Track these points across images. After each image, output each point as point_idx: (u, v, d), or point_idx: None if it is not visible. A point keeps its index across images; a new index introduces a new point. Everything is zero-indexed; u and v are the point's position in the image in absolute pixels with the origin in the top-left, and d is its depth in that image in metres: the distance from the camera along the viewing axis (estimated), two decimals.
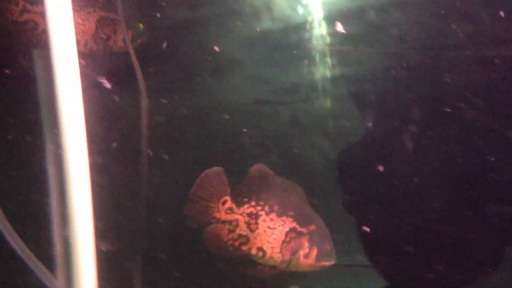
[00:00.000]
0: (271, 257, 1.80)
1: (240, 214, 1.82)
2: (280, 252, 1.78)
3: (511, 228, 2.34)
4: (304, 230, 1.78)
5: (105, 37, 1.97)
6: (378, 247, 2.45)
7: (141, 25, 2.10)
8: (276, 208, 1.81)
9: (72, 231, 1.16)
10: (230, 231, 1.82)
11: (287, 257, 1.77)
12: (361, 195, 2.47)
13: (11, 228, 1.38)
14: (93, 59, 1.95)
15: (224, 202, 1.83)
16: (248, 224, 1.81)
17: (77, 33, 1.82)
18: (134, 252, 2.02)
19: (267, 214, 1.81)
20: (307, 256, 1.76)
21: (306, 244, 1.76)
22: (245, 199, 1.84)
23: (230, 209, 1.83)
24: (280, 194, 1.84)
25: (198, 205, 1.82)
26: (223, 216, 1.82)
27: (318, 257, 1.75)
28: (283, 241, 1.78)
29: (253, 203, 1.83)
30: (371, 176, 2.41)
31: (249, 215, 1.82)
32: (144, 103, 1.92)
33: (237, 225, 1.82)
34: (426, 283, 2.36)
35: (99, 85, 1.98)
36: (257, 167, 1.86)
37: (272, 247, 1.79)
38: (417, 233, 2.42)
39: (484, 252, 2.36)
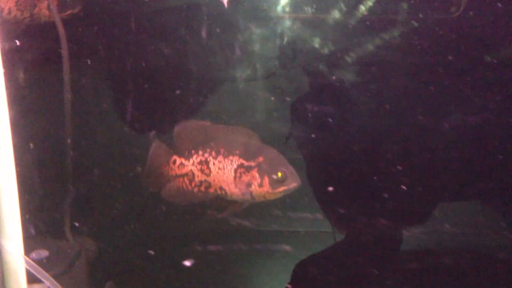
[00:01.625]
0: (232, 193, 1.98)
1: (192, 165, 2.02)
2: (236, 187, 1.95)
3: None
4: (252, 163, 1.93)
5: (29, 4, 1.88)
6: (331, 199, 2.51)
7: None
8: (222, 151, 1.99)
9: None
10: (191, 181, 2.03)
11: (244, 191, 1.94)
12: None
13: None
14: (17, 28, 1.87)
15: (174, 161, 2.05)
16: (201, 171, 2.01)
17: None
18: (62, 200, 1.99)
19: (214, 158, 1.99)
20: (261, 185, 1.90)
21: (257, 175, 1.91)
22: (192, 151, 2.02)
23: (181, 164, 2.04)
24: (223, 138, 2.04)
25: (153, 173, 2.06)
26: (178, 172, 2.05)
27: (272, 184, 1.88)
28: (235, 177, 1.95)
29: (200, 153, 2.02)
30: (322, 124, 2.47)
31: (200, 163, 2.01)
32: (67, 85, 1.83)
33: (193, 174, 2.03)
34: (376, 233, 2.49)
35: (22, 60, 1.88)
36: (192, 123, 2.09)
37: (228, 185, 1.97)
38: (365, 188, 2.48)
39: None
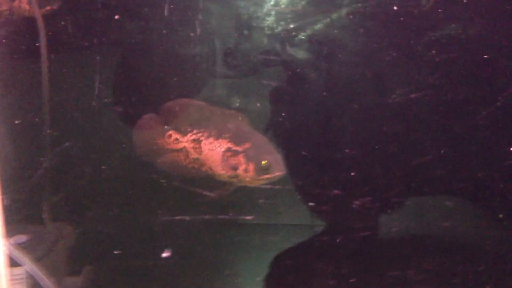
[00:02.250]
0: (220, 175, 2.04)
1: (186, 142, 2.09)
2: (223, 169, 2.01)
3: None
4: (239, 148, 1.98)
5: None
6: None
7: None
8: (213, 132, 2.05)
9: None
10: (185, 157, 2.11)
11: (229, 173, 2.00)
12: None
13: None
14: None
15: (170, 136, 2.12)
16: (194, 149, 2.08)
17: None
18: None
19: (206, 138, 2.06)
20: (246, 171, 1.95)
21: (243, 160, 1.96)
22: (188, 129, 2.09)
23: (176, 139, 2.11)
24: (216, 120, 2.09)
25: (147, 144, 2.16)
26: (173, 146, 2.12)
27: (257, 171, 1.92)
28: (222, 160, 2.01)
29: (195, 131, 2.08)
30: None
31: (193, 141, 2.08)
32: (45, 78, 1.83)
33: (187, 151, 2.10)
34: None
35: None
36: (188, 101, 2.19)
37: (216, 166, 2.03)
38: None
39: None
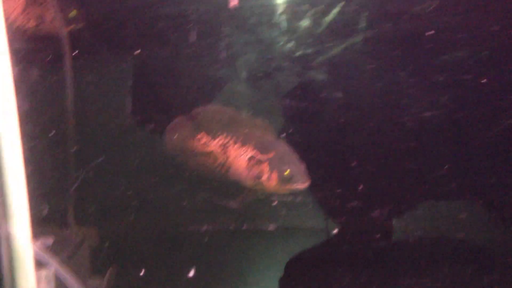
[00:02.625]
0: (244, 182, 2.06)
1: (214, 146, 2.11)
2: (247, 177, 2.03)
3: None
4: (263, 157, 1.98)
5: (34, 16, 1.94)
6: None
7: (74, 11, 2.05)
8: (240, 139, 2.06)
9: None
10: (214, 161, 2.13)
11: (253, 182, 2.01)
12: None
13: None
14: (22, 39, 1.93)
15: (200, 139, 2.15)
16: (222, 154, 2.10)
17: (5, 9, 1.82)
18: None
19: (233, 144, 2.07)
20: (269, 179, 1.95)
21: (266, 169, 1.96)
22: (217, 134, 2.11)
23: (205, 143, 2.13)
24: (243, 127, 2.11)
25: (177, 145, 2.20)
26: (202, 149, 2.14)
27: (280, 180, 1.92)
28: (246, 167, 2.01)
29: (223, 136, 2.10)
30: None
31: (221, 146, 2.10)
32: (70, 91, 1.89)
33: (215, 156, 2.12)
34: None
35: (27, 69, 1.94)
36: (218, 106, 2.24)
37: (241, 173, 2.05)
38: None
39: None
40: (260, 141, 2.04)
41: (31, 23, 1.95)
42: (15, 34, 1.91)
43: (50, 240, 1.78)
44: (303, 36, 2.46)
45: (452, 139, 2.42)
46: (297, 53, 2.49)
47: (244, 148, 2.05)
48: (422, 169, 2.45)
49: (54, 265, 1.30)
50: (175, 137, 2.23)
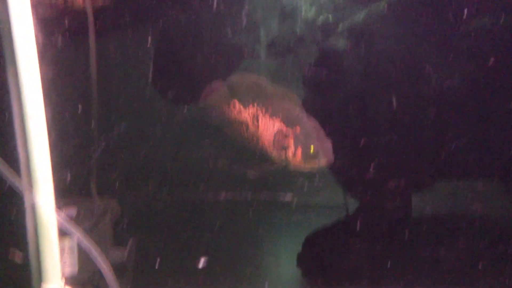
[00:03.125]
0: (270, 154, 2.03)
1: (247, 114, 2.09)
2: (273, 149, 2.00)
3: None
4: (290, 131, 1.93)
5: None
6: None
7: None
8: (269, 110, 2.03)
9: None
10: (246, 130, 2.12)
11: (277, 155, 1.97)
12: None
13: None
14: (50, 14, 1.93)
15: (234, 105, 2.13)
16: (253, 123, 2.08)
17: None
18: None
19: (263, 115, 2.05)
20: (294, 155, 1.90)
21: (292, 144, 1.91)
22: (250, 102, 2.09)
23: (239, 110, 2.11)
24: (273, 99, 2.07)
25: (212, 109, 2.19)
26: (236, 116, 2.13)
27: (304, 157, 1.88)
28: (273, 141, 1.99)
29: (254, 106, 2.08)
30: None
31: (252, 115, 2.08)
32: (93, 60, 1.89)
33: (247, 125, 2.10)
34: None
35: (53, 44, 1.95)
36: (252, 76, 2.18)
37: (268, 145, 2.02)
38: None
39: None
40: (288, 114, 2.01)
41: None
42: (43, 5, 1.92)
43: (73, 211, 1.82)
44: (325, 2, 2.42)
45: (473, 111, 2.37)
46: (319, 21, 2.46)
47: (272, 120, 2.02)
48: (441, 141, 2.41)
49: (77, 235, 1.32)
50: (211, 101, 2.21)
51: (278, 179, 2.63)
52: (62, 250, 1.65)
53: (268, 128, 2.02)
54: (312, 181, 2.63)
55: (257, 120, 2.07)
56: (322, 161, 1.88)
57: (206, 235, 2.55)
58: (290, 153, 1.93)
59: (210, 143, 2.60)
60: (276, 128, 2.00)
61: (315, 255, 2.50)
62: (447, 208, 2.66)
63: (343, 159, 2.45)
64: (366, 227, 2.50)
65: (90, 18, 1.89)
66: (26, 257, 1.37)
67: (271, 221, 2.76)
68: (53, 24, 1.94)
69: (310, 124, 1.98)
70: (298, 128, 1.94)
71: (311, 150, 1.87)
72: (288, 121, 1.98)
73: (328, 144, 1.90)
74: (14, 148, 1.29)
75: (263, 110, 2.06)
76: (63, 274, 1.37)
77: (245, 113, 2.11)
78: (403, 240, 2.44)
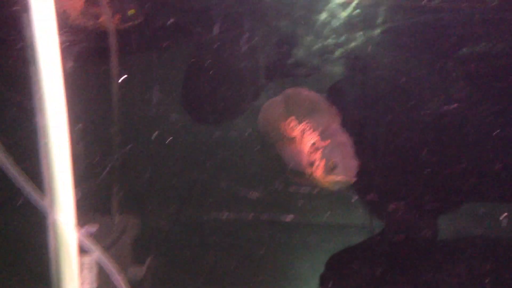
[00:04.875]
0: (303, 169, 1.96)
1: (299, 131, 2.03)
2: (307, 163, 1.93)
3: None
4: (321, 144, 1.88)
5: (94, 14, 2.02)
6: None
7: (133, 10, 2.12)
8: (313, 125, 1.98)
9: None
10: (295, 147, 2.03)
11: (308, 168, 1.90)
12: None
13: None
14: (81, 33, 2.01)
15: (290, 122, 2.06)
16: (301, 139, 2.01)
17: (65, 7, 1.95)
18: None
19: (307, 130, 2.00)
20: (317, 168, 1.85)
21: (319, 157, 1.85)
22: (302, 118, 2.03)
23: (292, 127, 2.05)
24: (316, 112, 2.02)
25: (268, 125, 2.14)
26: (288, 133, 2.07)
27: (325, 170, 1.80)
28: (308, 153, 1.92)
29: (305, 121, 2.02)
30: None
31: (301, 131, 2.02)
32: (116, 86, 1.93)
33: (296, 141, 2.03)
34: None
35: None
36: (305, 90, 2.10)
37: (302, 160, 1.96)
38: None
39: None
40: (324, 128, 1.94)
41: (90, 22, 2.02)
42: (72, 31, 2.00)
43: (93, 228, 1.84)
44: (322, 29, 2.44)
45: (471, 133, 2.37)
46: (315, 47, 2.47)
47: (312, 134, 1.97)
48: (440, 163, 2.39)
49: (96, 252, 1.33)
50: (268, 117, 2.16)
51: (280, 200, 2.62)
52: (81, 267, 1.67)
53: (307, 143, 1.97)
54: (314, 202, 2.62)
55: (304, 136, 2.01)
56: (341, 177, 1.79)
57: (211, 252, 2.57)
58: (315, 166, 1.87)
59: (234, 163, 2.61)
60: (312, 142, 1.95)
61: (338, 276, 2.46)
62: (447, 231, 2.61)
63: (370, 179, 2.45)
64: (389, 250, 2.47)
65: (113, 39, 1.95)
66: (46, 274, 1.39)
67: (274, 241, 2.75)
68: (80, 50, 2.01)
69: (341, 138, 1.91)
70: (328, 141, 1.88)
71: (330, 162, 1.80)
72: (323, 135, 1.93)
73: (350, 161, 1.81)
74: (37, 165, 1.32)
75: (309, 126, 2.01)
76: None
77: (297, 129, 2.06)
78: (426, 264, 2.41)
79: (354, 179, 1.79)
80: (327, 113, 2.00)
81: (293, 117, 2.05)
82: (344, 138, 1.91)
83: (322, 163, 1.81)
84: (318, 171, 1.83)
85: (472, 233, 2.58)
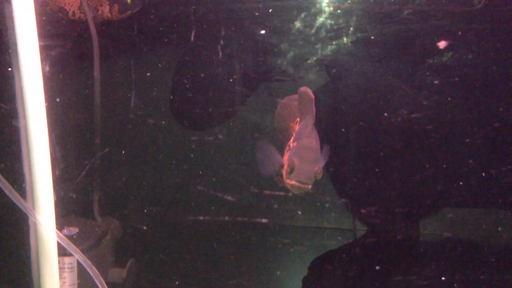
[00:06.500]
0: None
1: (293, 130, 2.01)
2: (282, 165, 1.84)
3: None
4: (291, 146, 1.83)
5: (92, 7, 2.07)
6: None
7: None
8: (296, 127, 1.99)
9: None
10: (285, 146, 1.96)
11: (282, 169, 1.80)
12: None
13: None
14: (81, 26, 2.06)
15: (297, 121, 2.02)
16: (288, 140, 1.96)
17: (64, 4, 1.98)
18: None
19: (293, 131, 1.98)
20: (283, 170, 1.76)
21: (285, 159, 1.79)
22: (297, 118, 2.02)
23: (293, 128, 2.02)
24: (302, 114, 1.98)
25: (281, 123, 2.08)
26: (291, 131, 2.01)
27: (287, 172, 1.71)
28: (284, 154, 1.87)
29: (297, 121, 2.01)
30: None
31: (293, 130, 2.00)
32: (98, 85, 1.95)
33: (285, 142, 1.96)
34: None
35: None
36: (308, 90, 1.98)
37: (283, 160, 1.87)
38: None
39: None
40: (299, 130, 1.88)
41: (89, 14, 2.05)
42: (52, 35, 2.02)
43: (74, 230, 1.85)
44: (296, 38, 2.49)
45: (439, 140, 2.43)
46: (289, 54, 2.52)
47: (293, 136, 1.92)
48: (409, 168, 2.46)
49: (77, 254, 1.35)
50: (282, 115, 2.11)
51: (255, 204, 2.65)
52: (61, 269, 1.67)
53: (289, 143, 1.92)
54: (288, 206, 2.66)
55: (290, 137, 1.96)
56: (293, 181, 1.69)
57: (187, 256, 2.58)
58: (284, 169, 1.77)
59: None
60: (290, 142, 1.90)
61: (321, 278, 2.48)
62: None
63: (351, 183, 2.48)
64: (373, 251, 2.51)
65: (95, 41, 1.97)
66: (28, 275, 1.39)
67: (249, 243, 2.78)
68: (56, 50, 2.02)
69: (309, 142, 1.81)
70: (295, 143, 1.82)
71: (289, 166, 1.71)
72: (295, 138, 1.87)
73: (307, 166, 1.71)
74: (18, 167, 1.33)
75: (295, 127, 2.01)
76: None
77: (294, 128, 2.03)
78: (409, 265, 2.46)
79: (309, 185, 1.70)
80: (308, 115, 1.93)
81: (297, 118, 2.04)
82: (309, 142, 1.82)
83: (286, 165, 1.75)
84: (284, 173, 1.75)
85: (441, 236, 2.64)
